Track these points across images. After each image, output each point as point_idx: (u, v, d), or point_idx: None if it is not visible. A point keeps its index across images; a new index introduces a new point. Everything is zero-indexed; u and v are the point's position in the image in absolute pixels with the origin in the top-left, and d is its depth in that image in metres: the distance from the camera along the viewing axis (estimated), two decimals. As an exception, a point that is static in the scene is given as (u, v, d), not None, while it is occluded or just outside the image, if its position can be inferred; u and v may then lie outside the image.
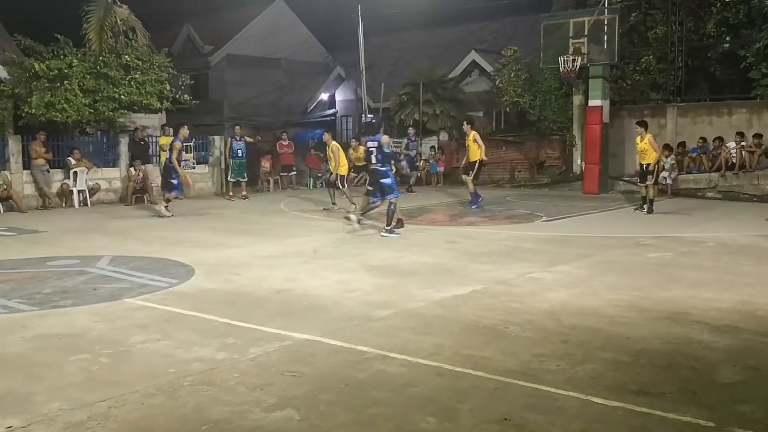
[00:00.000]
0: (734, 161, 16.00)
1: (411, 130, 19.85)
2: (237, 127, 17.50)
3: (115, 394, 4.00)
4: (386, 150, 10.55)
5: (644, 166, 12.93)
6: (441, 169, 20.50)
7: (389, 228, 10.27)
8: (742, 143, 16.01)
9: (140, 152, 16.65)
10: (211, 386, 4.14)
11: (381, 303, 6.16)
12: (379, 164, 10.46)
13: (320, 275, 7.43)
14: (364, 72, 24.16)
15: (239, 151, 16.69)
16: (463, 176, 14.40)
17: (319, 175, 21.30)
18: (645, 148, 12.84)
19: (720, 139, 16.65)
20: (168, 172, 13.34)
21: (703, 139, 16.98)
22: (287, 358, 4.67)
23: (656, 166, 12.95)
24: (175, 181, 13.16)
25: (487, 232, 10.87)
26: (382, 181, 10.44)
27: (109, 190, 16.40)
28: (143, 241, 10.04)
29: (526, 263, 8.03)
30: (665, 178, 16.24)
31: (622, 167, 17.85)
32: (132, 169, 16.03)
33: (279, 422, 3.62)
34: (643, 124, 13.19)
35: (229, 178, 16.98)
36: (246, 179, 17.14)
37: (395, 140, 17.08)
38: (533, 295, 6.43)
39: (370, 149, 10.64)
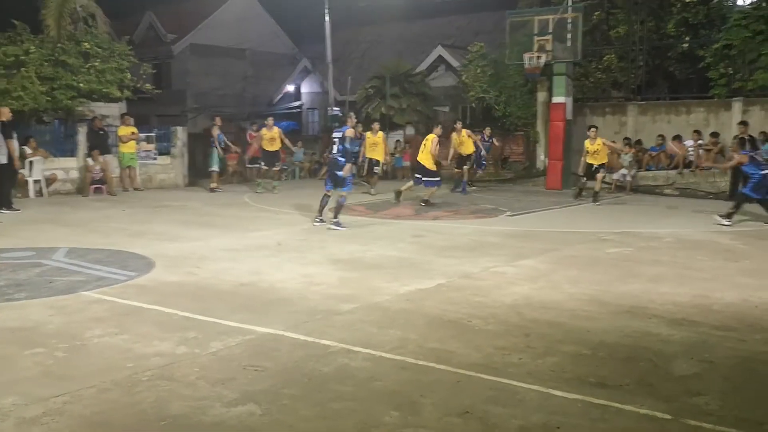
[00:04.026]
0: (691, 159, 16.39)
1: (487, 129, 18.32)
2: (218, 118, 17.30)
3: (70, 389, 3.90)
4: (347, 144, 10.37)
5: (593, 165, 13.99)
6: (407, 163, 20.52)
7: (336, 220, 10.29)
8: (699, 141, 16.40)
9: (99, 142, 16.27)
10: (170, 381, 4.07)
11: (346, 296, 6.14)
12: (339, 155, 10.33)
13: (284, 269, 7.37)
14: (330, 64, 24.04)
15: (223, 143, 16.69)
16: (460, 168, 16.10)
17: (285, 167, 21.14)
18: (598, 149, 13.77)
19: (678, 137, 17.02)
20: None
21: (662, 137, 17.33)
22: (250, 352, 4.62)
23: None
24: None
25: (453, 226, 10.93)
26: (338, 172, 10.36)
27: (66, 180, 15.99)
28: (101, 233, 9.83)
29: (491, 257, 8.09)
30: (624, 175, 16.57)
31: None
32: (90, 159, 15.68)
33: (240, 417, 3.58)
34: (596, 128, 14.32)
35: (212, 168, 16.68)
36: (222, 170, 17.31)
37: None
38: (497, 288, 6.48)
39: (334, 139, 10.60)
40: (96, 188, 15.60)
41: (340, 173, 10.31)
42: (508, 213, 12.52)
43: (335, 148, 10.46)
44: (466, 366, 4.34)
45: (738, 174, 14.83)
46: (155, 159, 17.80)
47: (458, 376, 4.17)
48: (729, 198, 14.29)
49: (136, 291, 6.35)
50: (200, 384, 4.03)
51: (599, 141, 13.85)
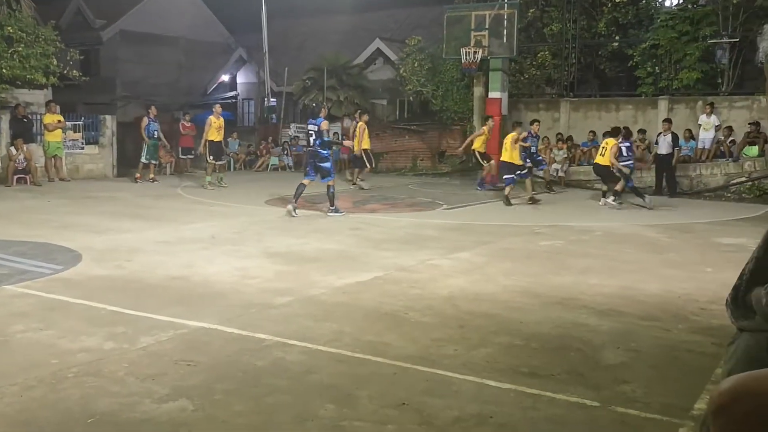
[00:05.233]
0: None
1: (536, 125, 15.87)
2: (153, 107, 16.80)
3: (-10, 388, 3.72)
4: (324, 136, 10.94)
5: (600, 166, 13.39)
6: (344, 155, 20.44)
7: (333, 208, 10.93)
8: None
9: (23, 130, 15.58)
10: (97, 377, 3.93)
11: (281, 290, 6.07)
12: (319, 147, 10.81)
13: (219, 262, 7.23)
14: (267, 55, 23.69)
15: (155, 132, 16.16)
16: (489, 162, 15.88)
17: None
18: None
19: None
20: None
21: (593, 132, 17.85)
22: (182, 346, 4.51)
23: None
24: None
25: (390, 219, 10.96)
26: (320, 164, 10.85)
27: (-13, 169, 15.25)
28: (26, 225, 9.40)
29: (427, 250, 8.16)
30: (557, 170, 17.01)
31: (519, 158, 18.45)
32: (13, 148, 14.96)
33: (171, 413, 3.49)
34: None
35: (142, 160, 16.23)
36: (157, 162, 16.70)
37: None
38: (433, 281, 6.54)
39: (310, 132, 11.02)
40: (19, 178, 14.92)
41: (325, 165, 10.84)
42: (445, 206, 12.66)
43: (311, 140, 10.90)
44: (402, 358, 4.36)
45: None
46: (83, 148, 17.18)
47: (394, 368, 4.19)
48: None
49: (62, 285, 6.10)
50: (129, 380, 3.90)
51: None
